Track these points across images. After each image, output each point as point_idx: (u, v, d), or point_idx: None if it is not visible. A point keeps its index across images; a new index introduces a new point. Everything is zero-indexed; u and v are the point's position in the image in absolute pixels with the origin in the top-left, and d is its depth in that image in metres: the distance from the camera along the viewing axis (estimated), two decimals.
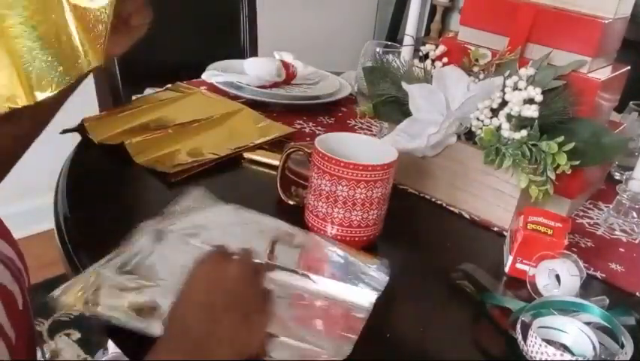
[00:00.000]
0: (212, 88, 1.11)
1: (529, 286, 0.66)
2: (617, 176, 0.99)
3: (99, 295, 0.53)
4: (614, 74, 0.82)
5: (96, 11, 0.48)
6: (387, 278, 0.62)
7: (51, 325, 1.53)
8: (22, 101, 0.46)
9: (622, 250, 0.80)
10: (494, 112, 0.77)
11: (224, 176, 0.84)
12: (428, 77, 0.84)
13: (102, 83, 1.36)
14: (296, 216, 0.72)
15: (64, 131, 0.87)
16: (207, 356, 0.44)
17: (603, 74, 0.80)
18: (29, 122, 0.58)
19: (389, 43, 1.03)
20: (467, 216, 0.82)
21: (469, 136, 0.81)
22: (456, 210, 0.83)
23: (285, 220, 0.75)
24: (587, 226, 0.85)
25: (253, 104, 1.07)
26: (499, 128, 0.76)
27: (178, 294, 0.48)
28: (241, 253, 0.52)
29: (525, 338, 0.56)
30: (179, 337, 0.45)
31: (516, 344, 0.57)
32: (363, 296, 0.59)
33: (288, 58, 1.23)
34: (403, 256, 0.74)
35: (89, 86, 1.39)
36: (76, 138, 0.87)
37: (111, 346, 1.33)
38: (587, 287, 0.66)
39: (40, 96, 0.46)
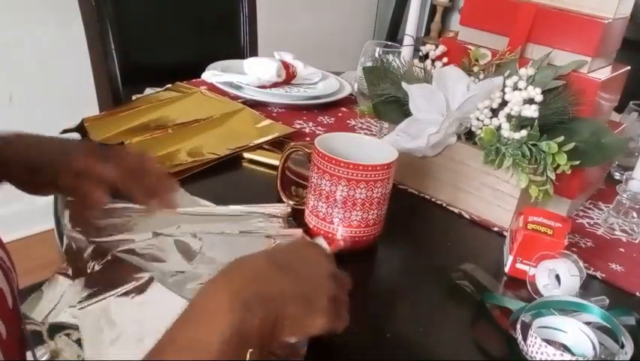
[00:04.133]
0: (212, 88, 1.11)
1: (529, 286, 0.66)
2: (617, 176, 0.99)
3: None
4: (614, 74, 0.82)
5: None
6: None
7: (51, 325, 1.53)
8: None
9: (622, 250, 0.80)
10: (494, 112, 0.77)
11: (224, 176, 0.84)
12: (428, 77, 0.84)
13: (102, 83, 1.36)
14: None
15: (64, 131, 0.87)
16: (269, 312, 0.43)
17: (603, 74, 0.80)
18: None
19: (389, 43, 1.03)
20: (467, 216, 0.82)
21: (469, 136, 0.81)
22: (456, 210, 0.83)
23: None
24: (587, 225, 0.85)
25: (253, 104, 1.07)
26: (499, 128, 0.76)
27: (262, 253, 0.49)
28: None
29: (525, 338, 0.56)
30: (226, 286, 0.44)
31: (516, 344, 0.57)
32: None
33: (288, 58, 1.23)
34: (403, 256, 0.74)
35: (89, 86, 1.39)
36: (76, 138, 0.87)
37: None
38: (587, 287, 0.66)
39: None
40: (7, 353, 0.42)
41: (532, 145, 0.74)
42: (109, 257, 0.60)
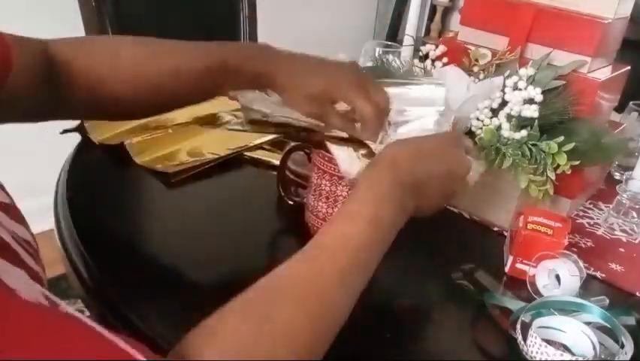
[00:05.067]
0: None
1: (529, 286, 0.66)
2: (617, 176, 0.99)
3: None
4: (614, 74, 0.82)
5: None
6: None
7: None
8: None
9: (622, 250, 0.80)
10: (494, 112, 0.77)
11: (224, 176, 0.84)
12: None
13: None
14: (296, 216, 0.72)
15: (65, 132, 0.87)
16: (419, 198, 0.53)
17: (603, 74, 0.80)
18: None
19: (389, 43, 1.03)
20: (467, 216, 0.82)
21: (469, 136, 0.81)
22: (456, 210, 0.83)
23: (285, 220, 0.75)
24: (587, 225, 0.85)
25: None
26: (499, 128, 0.76)
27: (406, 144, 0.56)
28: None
29: (525, 338, 0.56)
30: (400, 171, 0.52)
31: (516, 344, 0.57)
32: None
33: None
34: (403, 256, 0.73)
35: None
36: (76, 138, 0.87)
37: None
38: (587, 287, 0.66)
39: None
40: None
41: (532, 145, 0.74)
42: None
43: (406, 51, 1.01)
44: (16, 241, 0.44)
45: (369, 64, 0.98)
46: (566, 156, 0.73)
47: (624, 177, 0.86)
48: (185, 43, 0.64)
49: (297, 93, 0.63)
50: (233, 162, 0.87)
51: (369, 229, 0.47)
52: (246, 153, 0.89)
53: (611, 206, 0.86)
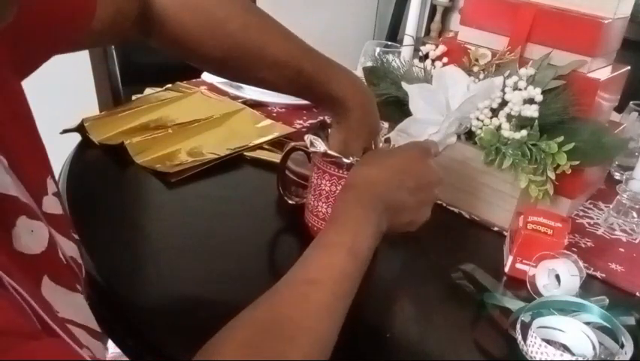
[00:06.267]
0: (212, 88, 1.11)
1: (529, 286, 0.66)
2: (617, 176, 0.99)
3: None
4: (614, 74, 0.82)
5: None
6: None
7: None
8: None
9: (622, 250, 0.80)
10: (494, 112, 0.77)
11: (224, 176, 0.84)
12: (428, 77, 0.84)
13: (102, 83, 1.36)
14: (296, 216, 0.72)
15: (64, 131, 0.87)
16: (393, 217, 0.55)
17: (603, 74, 0.80)
18: None
19: (389, 43, 1.03)
20: (467, 216, 0.82)
21: (469, 136, 0.81)
22: (456, 210, 0.83)
23: (285, 220, 0.75)
24: (587, 225, 0.85)
25: (253, 104, 1.07)
26: (499, 128, 0.76)
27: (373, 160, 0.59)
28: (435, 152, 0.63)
29: (525, 338, 0.56)
30: (373, 195, 0.53)
31: (516, 344, 0.57)
32: None
33: None
34: (403, 256, 0.74)
35: (89, 85, 1.39)
36: (76, 138, 0.87)
37: (111, 346, 1.33)
38: (587, 287, 0.66)
39: None
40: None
41: (532, 145, 0.74)
42: None
43: (406, 51, 1.01)
44: (66, 260, 0.44)
45: (369, 64, 0.98)
46: (566, 156, 0.73)
47: (624, 177, 0.86)
48: (300, 46, 0.65)
49: (345, 146, 0.66)
50: (233, 162, 0.87)
51: (349, 258, 0.48)
52: (246, 153, 0.89)
53: (611, 206, 0.86)
